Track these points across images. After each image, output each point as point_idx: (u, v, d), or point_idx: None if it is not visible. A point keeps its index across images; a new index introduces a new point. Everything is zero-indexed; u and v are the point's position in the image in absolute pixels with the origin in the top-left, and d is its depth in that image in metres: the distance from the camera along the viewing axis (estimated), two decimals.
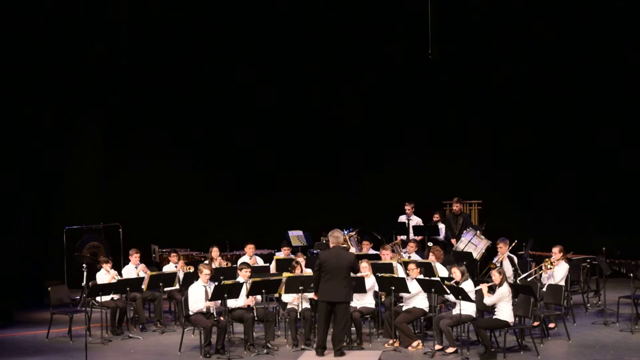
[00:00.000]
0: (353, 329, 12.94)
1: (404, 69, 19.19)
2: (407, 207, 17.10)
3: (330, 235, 12.61)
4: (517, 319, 12.37)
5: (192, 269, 14.68)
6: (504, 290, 12.23)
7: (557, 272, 13.83)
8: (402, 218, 17.16)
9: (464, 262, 13.99)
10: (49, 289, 14.45)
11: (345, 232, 15.70)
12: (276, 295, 13.44)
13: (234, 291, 12.71)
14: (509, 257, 14.55)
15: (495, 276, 12.34)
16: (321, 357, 12.13)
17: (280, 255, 15.57)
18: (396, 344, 12.79)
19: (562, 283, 13.75)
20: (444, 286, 12.44)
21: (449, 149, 19.31)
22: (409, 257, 14.99)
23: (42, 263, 17.97)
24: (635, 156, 18.28)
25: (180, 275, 14.79)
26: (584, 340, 13.06)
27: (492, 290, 12.32)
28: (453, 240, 16.78)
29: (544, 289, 13.48)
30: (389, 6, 18.68)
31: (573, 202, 18.56)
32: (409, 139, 19.55)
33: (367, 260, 13.53)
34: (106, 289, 13.88)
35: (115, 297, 14.16)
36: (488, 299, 12.29)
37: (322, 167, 19.82)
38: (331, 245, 12.53)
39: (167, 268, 15.48)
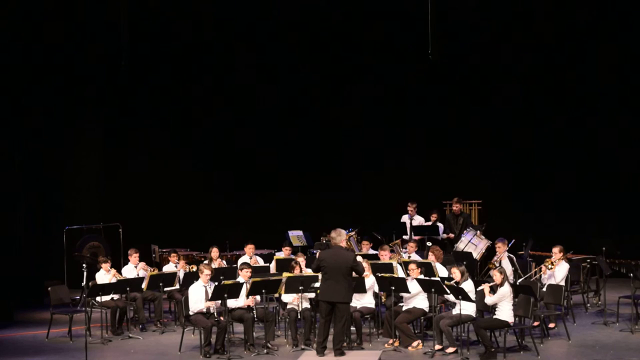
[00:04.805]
0: (353, 329, 12.94)
1: (404, 69, 19.18)
2: (410, 207, 17.08)
3: (330, 234, 12.64)
4: (517, 319, 12.38)
5: (194, 268, 14.68)
6: (505, 290, 12.23)
7: (557, 272, 13.83)
8: (405, 218, 17.16)
9: (464, 262, 14.00)
10: (49, 289, 14.44)
11: (345, 232, 15.70)
12: (276, 295, 13.44)
13: (234, 291, 12.71)
14: (508, 257, 14.55)
15: (497, 276, 12.34)
16: (321, 357, 12.14)
17: (280, 255, 15.57)
18: (396, 344, 12.80)
19: (562, 283, 13.76)
20: (444, 286, 12.44)
21: (449, 149, 19.31)
22: (409, 257, 15.00)
23: (42, 263, 17.96)
24: (635, 156, 18.28)
25: (180, 275, 14.79)
26: (584, 340, 13.07)
27: (493, 290, 12.33)
28: (451, 235, 16.77)
29: (544, 289, 13.48)
30: (389, 6, 18.68)
31: (573, 202, 18.55)
32: (409, 139, 19.56)
33: (366, 260, 13.54)
34: (106, 289, 13.89)
35: (115, 297, 14.16)
36: (489, 299, 12.29)
37: (322, 167, 19.82)
38: (332, 245, 12.57)
39: (167, 268, 15.48)
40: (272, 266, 15.02)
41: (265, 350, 12.62)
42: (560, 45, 18.50)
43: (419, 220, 17.05)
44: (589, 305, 15.45)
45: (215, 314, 12.75)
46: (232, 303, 12.75)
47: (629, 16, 17.90)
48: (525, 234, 15.96)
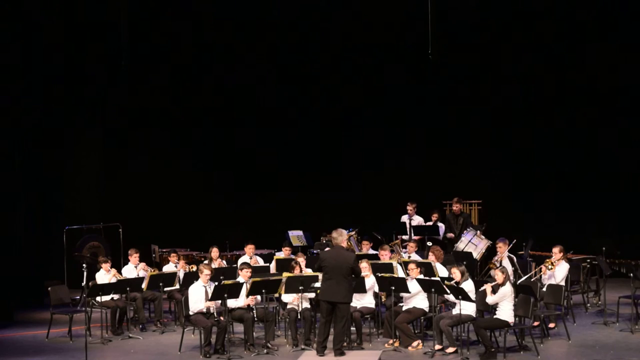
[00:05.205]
0: (353, 329, 12.95)
1: (404, 69, 19.18)
2: (409, 207, 17.08)
3: (331, 234, 12.65)
4: (517, 319, 12.37)
5: (194, 268, 14.68)
6: (507, 290, 12.24)
7: (558, 272, 13.84)
8: (404, 218, 17.16)
9: (464, 262, 14.00)
10: (49, 289, 14.45)
11: (346, 233, 15.70)
12: (276, 295, 13.44)
13: (234, 291, 12.71)
14: (508, 257, 14.55)
15: (499, 275, 12.34)
16: (321, 356, 12.14)
17: (280, 255, 15.57)
18: (396, 344, 12.79)
19: (562, 283, 13.76)
20: (444, 286, 12.44)
21: (449, 149, 19.31)
22: (409, 257, 14.99)
23: (42, 263, 17.96)
24: (635, 156, 18.28)
25: (180, 275, 14.79)
26: (584, 340, 13.07)
27: (494, 290, 12.33)
28: (451, 235, 16.77)
29: (544, 289, 13.48)
30: (389, 6, 18.68)
31: (573, 202, 18.55)
32: (409, 139, 19.55)
33: (367, 260, 13.53)
34: (106, 289, 13.89)
35: (115, 297, 14.16)
36: (491, 298, 12.29)
37: (322, 167, 19.82)
38: (333, 245, 12.58)
39: (167, 268, 15.48)
40: (272, 266, 15.02)
41: (265, 350, 12.62)
42: (561, 45, 18.50)
43: (418, 220, 17.05)
44: (589, 305, 15.45)
45: (215, 314, 12.75)
46: (232, 303, 12.75)
47: (629, 16, 17.88)
48: (525, 234, 15.95)
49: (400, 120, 19.57)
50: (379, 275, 13.14)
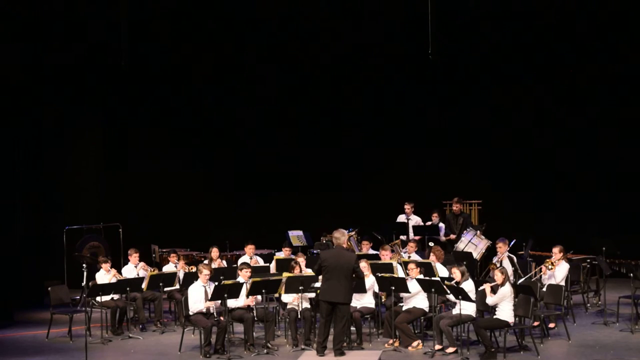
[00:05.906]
0: (353, 329, 12.95)
1: (404, 69, 19.18)
2: (407, 207, 17.10)
3: (333, 235, 12.66)
4: (517, 319, 12.38)
5: (194, 269, 14.68)
6: (506, 290, 12.24)
7: (558, 272, 13.84)
8: (402, 218, 17.17)
9: (464, 262, 14.00)
10: (49, 289, 14.45)
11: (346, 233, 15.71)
12: (276, 295, 13.45)
13: (234, 291, 12.71)
14: (508, 257, 14.56)
15: (498, 276, 12.34)
16: (321, 356, 12.14)
17: (280, 255, 15.57)
18: (396, 344, 12.80)
19: (562, 283, 13.77)
20: (444, 286, 12.44)
21: (449, 149, 19.30)
22: (409, 257, 15.00)
23: (42, 263, 17.96)
24: (635, 156, 18.28)
25: (180, 275, 14.79)
26: (584, 340, 13.07)
27: (494, 290, 12.33)
28: (452, 236, 16.78)
29: (544, 289, 13.49)
30: (389, 6, 18.67)
31: (573, 202, 18.55)
32: (409, 139, 19.55)
33: (366, 260, 13.54)
34: (106, 289, 13.89)
35: (115, 297, 14.16)
36: (490, 299, 12.30)
37: (322, 167, 19.81)
38: (335, 245, 12.59)
39: (167, 268, 15.48)
40: (272, 266, 15.02)
41: (265, 350, 12.62)
42: (561, 44, 18.48)
43: (415, 220, 17.06)
44: (589, 305, 15.46)
45: (215, 314, 12.75)
46: (232, 303, 12.76)
47: (628, 15, 17.89)
48: (525, 234, 15.95)
49: (400, 120, 19.56)
50: (379, 275, 13.14)
